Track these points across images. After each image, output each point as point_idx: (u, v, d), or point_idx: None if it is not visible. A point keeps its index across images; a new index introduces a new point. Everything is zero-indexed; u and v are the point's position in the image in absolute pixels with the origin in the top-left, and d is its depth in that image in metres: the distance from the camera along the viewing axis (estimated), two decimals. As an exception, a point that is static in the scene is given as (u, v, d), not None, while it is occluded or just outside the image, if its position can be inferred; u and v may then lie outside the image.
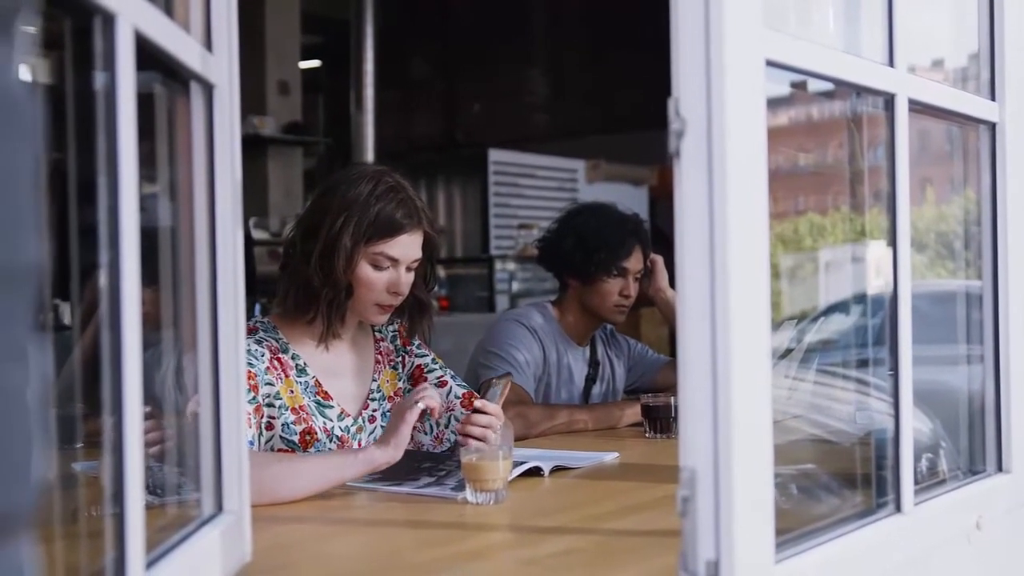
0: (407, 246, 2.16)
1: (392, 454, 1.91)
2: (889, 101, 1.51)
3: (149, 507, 1.06)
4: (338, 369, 2.24)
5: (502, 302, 6.91)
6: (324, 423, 2.16)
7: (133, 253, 0.99)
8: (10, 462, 0.53)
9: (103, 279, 0.98)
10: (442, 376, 2.33)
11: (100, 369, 1.00)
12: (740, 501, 1.15)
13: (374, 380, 2.30)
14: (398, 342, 2.37)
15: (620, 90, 8.73)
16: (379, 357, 2.33)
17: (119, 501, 0.99)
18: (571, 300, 3.03)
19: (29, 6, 0.59)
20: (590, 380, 3.09)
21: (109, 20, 0.96)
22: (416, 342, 2.37)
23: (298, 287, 2.16)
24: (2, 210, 0.53)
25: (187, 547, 1.22)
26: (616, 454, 2.33)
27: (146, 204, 1.06)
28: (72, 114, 1.06)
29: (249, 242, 5.60)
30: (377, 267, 2.15)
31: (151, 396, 1.12)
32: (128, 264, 0.99)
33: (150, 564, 1.07)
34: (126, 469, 0.99)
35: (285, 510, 1.82)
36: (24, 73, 0.58)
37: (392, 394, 2.31)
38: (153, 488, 1.28)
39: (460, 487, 1.89)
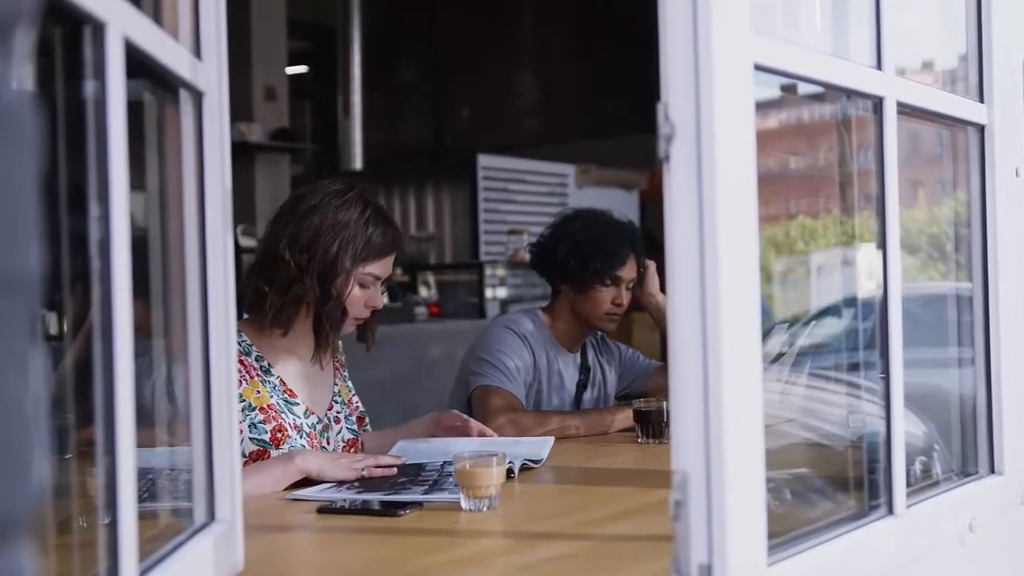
0: (389, 265, 2.31)
1: (317, 465, 2.05)
2: (878, 104, 1.51)
3: (141, 515, 1.06)
4: (302, 372, 2.32)
5: (492, 308, 6.89)
6: (293, 420, 2.24)
7: (124, 261, 0.99)
8: (9, 468, 0.53)
9: (94, 288, 0.97)
10: (339, 413, 2.40)
11: (90, 379, 1.00)
12: (732, 504, 1.15)
13: (335, 385, 2.41)
14: (343, 359, 2.48)
15: (610, 94, 8.74)
16: (337, 365, 2.44)
17: (112, 510, 0.99)
18: (562, 306, 3.03)
19: (28, 15, 0.59)
20: (581, 386, 3.09)
21: (99, 29, 0.96)
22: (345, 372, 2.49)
23: (290, 302, 2.22)
24: (3, 217, 0.53)
25: (179, 556, 1.21)
26: (551, 440, 2.38)
27: (134, 213, 1.06)
28: (60, 122, 1.05)
29: (237, 250, 5.56)
30: (363, 286, 2.26)
31: (141, 406, 1.12)
32: (119, 273, 0.98)
33: (142, 573, 1.07)
34: (119, 479, 0.99)
35: (278, 519, 1.81)
36: (22, 81, 0.58)
37: (347, 400, 2.42)
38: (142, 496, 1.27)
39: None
